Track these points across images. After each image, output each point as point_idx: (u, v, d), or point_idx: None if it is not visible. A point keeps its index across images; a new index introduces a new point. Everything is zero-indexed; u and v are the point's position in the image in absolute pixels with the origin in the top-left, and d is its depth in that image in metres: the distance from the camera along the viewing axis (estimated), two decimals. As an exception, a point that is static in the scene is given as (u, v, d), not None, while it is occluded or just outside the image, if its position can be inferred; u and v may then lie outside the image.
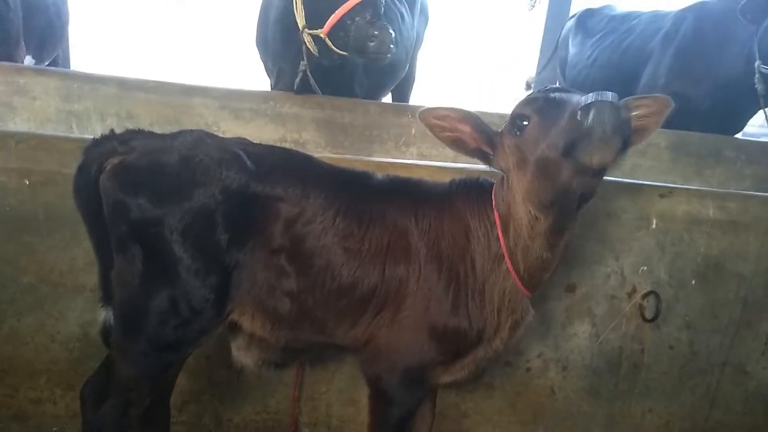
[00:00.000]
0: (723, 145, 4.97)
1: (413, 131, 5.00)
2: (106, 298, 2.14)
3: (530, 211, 1.92)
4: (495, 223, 2.03)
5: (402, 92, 6.27)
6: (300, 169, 2.12)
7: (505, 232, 2.01)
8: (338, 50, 3.83)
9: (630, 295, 2.92)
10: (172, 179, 1.94)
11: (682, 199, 2.87)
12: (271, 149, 2.22)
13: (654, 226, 2.86)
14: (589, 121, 1.62)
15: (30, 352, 2.66)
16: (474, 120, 2.00)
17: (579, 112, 1.65)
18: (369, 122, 4.94)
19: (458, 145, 2.01)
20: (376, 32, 3.60)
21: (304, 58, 4.23)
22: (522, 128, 1.86)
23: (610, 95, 1.66)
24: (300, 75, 4.34)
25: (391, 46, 3.70)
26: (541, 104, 1.85)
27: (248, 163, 2.01)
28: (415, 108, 5.10)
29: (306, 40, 3.99)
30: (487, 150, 2.00)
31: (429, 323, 2.03)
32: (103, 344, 2.18)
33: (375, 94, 5.58)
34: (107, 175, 1.98)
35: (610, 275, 2.90)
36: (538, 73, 8.00)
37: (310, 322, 2.08)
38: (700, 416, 3.16)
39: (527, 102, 1.90)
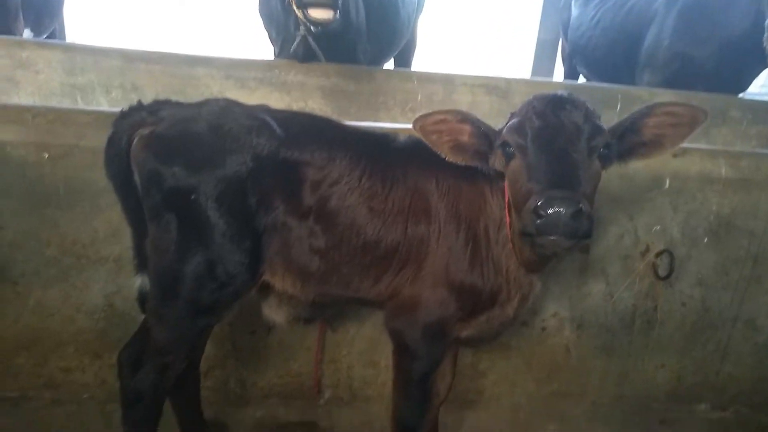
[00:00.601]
0: (729, 105, 4.97)
1: (419, 97, 4.98)
2: (141, 266, 2.16)
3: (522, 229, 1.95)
4: (505, 198, 2.04)
5: (404, 58, 6.24)
6: (325, 132, 2.15)
7: (510, 213, 2.03)
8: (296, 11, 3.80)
9: (643, 254, 2.96)
10: (204, 147, 1.96)
11: (695, 159, 2.90)
12: (295, 114, 2.24)
13: (667, 185, 2.89)
14: (541, 223, 1.61)
15: (57, 323, 2.71)
16: (472, 119, 1.97)
17: (536, 209, 1.61)
18: (374, 89, 4.92)
19: (458, 150, 1.97)
20: None
21: (301, 28, 4.19)
22: (508, 158, 1.86)
23: (574, 200, 1.60)
24: (298, 39, 4.31)
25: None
26: (527, 145, 1.80)
27: (277, 129, 2.04)
28: (420, 74, 5.11)
29: (294, 7, 3.95)
30: (486, 150, 1.97)
31: (448, 280, 2.09)
32: (141, 310, 2.21)
33: (378, 60, 5.55)
34: (140, 146, 2.00)
35: (623, 235, 2.94)
36: (539, 42, 7.95)
37: (337, 278, 2.13)
38: (711, 370, 3.24)
39: (517, 131, 1.84)
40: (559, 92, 1.88)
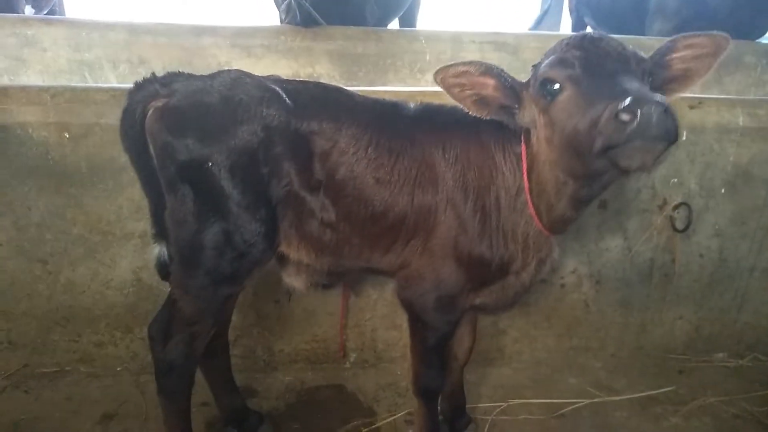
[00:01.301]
0: (743, 51, 4.90)
1: (427, 57, 4.95)
2: (158, 235, 2.20)
3: (558, 176, 1.90)
4: (521, 160, 2.02)
5: (409, 17, 6.15)
6: (334, 102, 2.13)
7: (530, 177, 2.00)
8: None
9: (661, 207, 2.98)
10: (216, 119, 1.97)
11: (712, 110, 2.88)
12: (305, 84, 2.22)
13: (684, 138, 2.88)
14: (633, 127, 1.45)
15: (88, 300, 2.78)
16: (497, 72, 1.88)
17: (622, 112, 1.46)
18: (382, 51, 4.87)
19: (481, 104, 1.91)
20: None
21: None
22: (553, 95, 1.74)
23: (658, 96, 1.48)
24: (284, 4, 4.27)
25: None
26: (576, 73, 1.69)
27: (287, 100, 2.04)
28: (428, 33, 5.06)
29: None
30: (512, 104, 1.91)
31: (456, 251, 2.09)
32: (160, 277, 2.27)
33: (384, 21, 5.49)
34: (153, 119, 2.01)
35: (641, 189, 2.95)
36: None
37: (348, 249, 2.16)
38: (728, 320, 3.29)
39: (560, 63, 1.73)
40: (589, 31, 1.83)
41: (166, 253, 2.19)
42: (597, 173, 1.77)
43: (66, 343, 2.84)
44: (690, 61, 1.84)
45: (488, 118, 1.94)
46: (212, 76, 2.09)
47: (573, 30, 7.04)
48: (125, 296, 2.80)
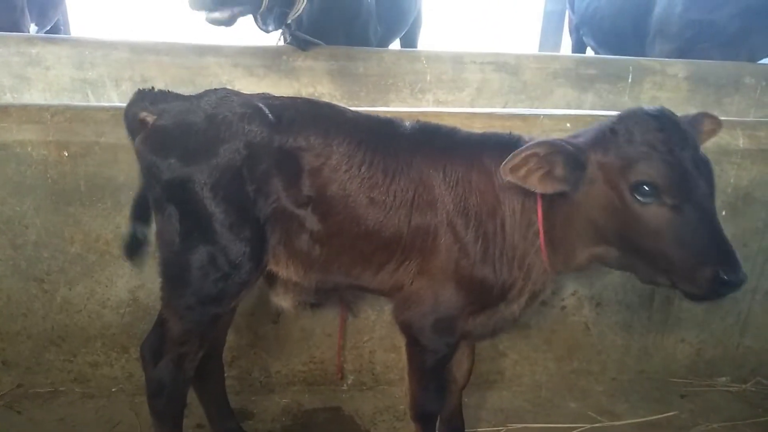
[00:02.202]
0: (742, 72, 4.90)
1: (428, 77, 4.96)
2: (134, 215, 2.23)
3: (599, 238, 1.90)
4: (535, 195, 1.98)
5: (411, 37, 6.20)
6: (322, 118, 2.10)
7: (548, 217, 1.97)
8: None
9: (662, 229, 2.96)
10: (199, 137, 1.96)
11: (712, 132, 2.87)
12: (293, 100, 2.19)
13: (684, 160, 2.87)
14: (725, 290, 1.68)
15: (84, 319, 2.76)
16: (563, 149, 1.83)
17: (724, 274, 1.64)
18: (383, 71, 4.89)
19: (547, 179, 1.85)
20: None
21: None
22: (644, 197, 1.73)
23: (742, 271, 1.67)
24: (279, 36, 4.32)
25: None
26: (680, 196, 1.70)
27: (270, 115, 2.01)
28: (429, 53, 5.08)
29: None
30: (573, 176, 1.85)
31: (457, 274, 2.06)
32: (123, 254, 2.31)
33: (386, 41, 5.53)
34: (139, 140, 2.01)
35: (641, 212, 2.93)
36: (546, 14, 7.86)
37: (338, 266, 2.13)
38: (730, 343, 3.25)
39: (661, 167, 1.70)
40: (667, 114, 1.80)
41: (135, 230, 2.22)
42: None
43: (61, 362, 2.81)
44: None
45: (552, 192, 1.89)
46: (199, 96, 2.08)
47: (573, 51, 7.08)
48: (121, 316, 2.78)
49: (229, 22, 3.65)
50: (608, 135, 1.83)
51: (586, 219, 1.90)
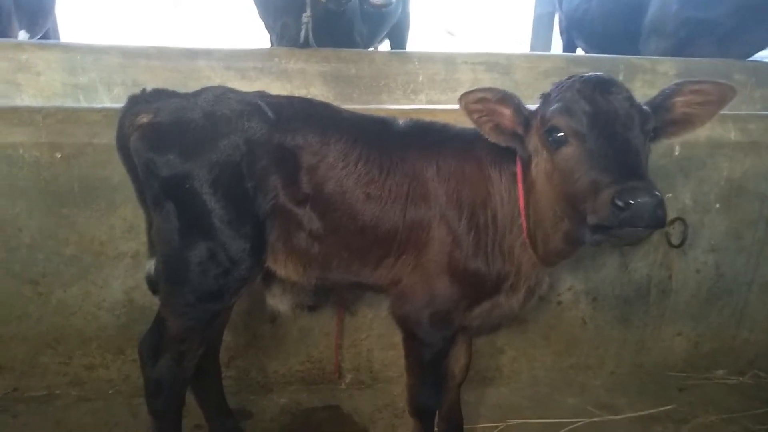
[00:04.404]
0: (732, 69, 4.93)
1: (420, 78, 4.96)
2: (152, 251, 2.18)
3: (555, 211, 1.90)
4: (517, 181, 2.01)
5: (398, 38, 6.18)
6: (319, 116, 2.13)
7: (527, 202, 2.00)
8: None
9: (656, 223, 2.97)
10: (197, 133, 1.96)
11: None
12: (290, 99, 2.22)
13: (677, 153, 2.89)
14: (626, 214, 1.53)
15: (79, 321, 2.74)
16: (514, 100, 1.92)
17: (618, 198, 1.54)
18: (375, 72, 4.89)
19: (497, 131, 1.93)
20: None
21: (308, 8, 4.18)
22: (558, 143, 1.78)
23: (654, 190, 1.55)
24: (304, 27, 4.31)
25: None
26: (583, 131, 1.73)
27: (269, 113, 2.03)
28: (421, 54, 5.09)
29: None
30: (524, 133, 1.93)
31: (451, 266, 2.07)
32: (151, 292, 2.24)
33: (372, 40, 5.53)
34: (136, 137, 2.01)
35: (636, 205, 2.93)
36: (537, 15, 7.89)
37: (338, 262, 2.13)
38: (727, 335, 3.26)
39: (569, 114, 1.76)
40: (599, 74, 1.83)
41: (153, 268, 2.17)
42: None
43: (56, 365, 2.78)
44: (693, 107, 1.86)
45: (504, 145, 1.95)
46: (196, 93, 2.09)
47: (564, 50, 7.11)
48: (117, 317, 2.75)
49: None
50: (542, 101, 1.90)
51: (542, 194, 1.93)
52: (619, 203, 1.54)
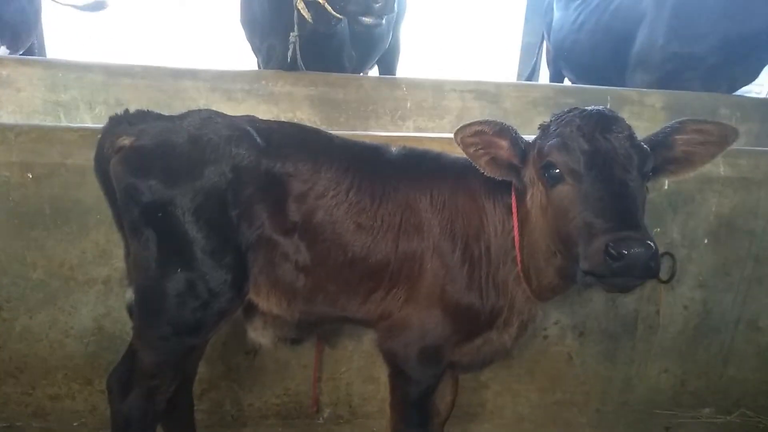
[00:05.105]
0: (717, 103, 4.96)
1: (408, 104, 4.94)
2: (131, 279, 2.09)
3: (549, 245, 1.86)
4: (512, 213, 1.97)
5: (388, 63, 6.16)
6: (310, 143, 2.07)
7: (521, 234, 1.95)
8: (336, 14, 3.76)
9: (644, 257, 2.92)
10: (182, 159, 1.89)
11: (693, 159, 2.86)
12: (280, 124, 2.17)
13: (666, 187, 2.86)
14: (619, 264, 1.50)
15: (45, 349, 2.62)
16: (511, 132, 1.88)
17: (612, 248, 1.50)
18: (363, 97, 4.86)
19: (494, 164, 1.89)
20: None
21: (295, 28, 4.15)
22: (554, 179, 1.74)
23: (648, 240, 1.51)
24: (291, 47, 4.27)
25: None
26: (580, 171, 1.68)
27: (258, 139, 1.97)
28: (409, 80, 5.07)
29: (299, 7, 3.91)
30: (518, 163, 1.89)
31: (443, 300, 2.01)
32: (131, 320, 2.14)
33: (361, 65, 5.51)
34: (117, 160, 1.93)
35: (623, 239, 2.89)
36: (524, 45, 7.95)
37: (323, 296, 2.06)
38: (714, 373, 3.20)
39: (566, 151, 1.71)
40: (601, 109, 1.78)
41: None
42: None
43: (18, 396, 2.66)
44: (695, 146, 1.83)
45: (500, 179, 1.90)
46: (182, 116, 2.03)
47: (551, 80, 7.14)
48: (85, 346, 2.64)
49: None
50: (540, 133, 1.86)
51: (537, 226, 1.88)
52: (613, 252, 1.50)
